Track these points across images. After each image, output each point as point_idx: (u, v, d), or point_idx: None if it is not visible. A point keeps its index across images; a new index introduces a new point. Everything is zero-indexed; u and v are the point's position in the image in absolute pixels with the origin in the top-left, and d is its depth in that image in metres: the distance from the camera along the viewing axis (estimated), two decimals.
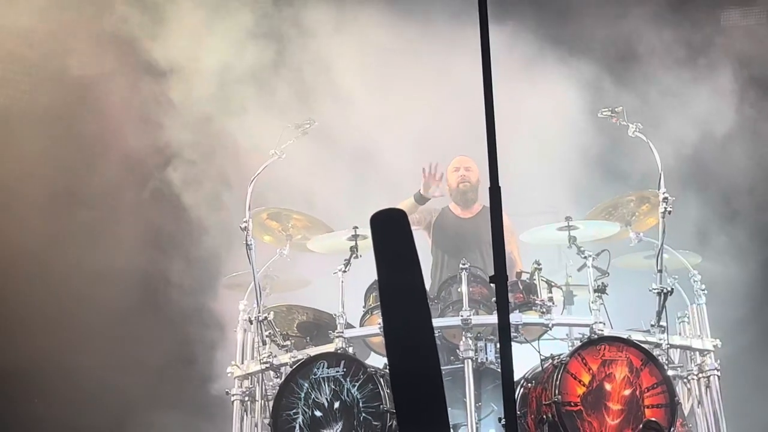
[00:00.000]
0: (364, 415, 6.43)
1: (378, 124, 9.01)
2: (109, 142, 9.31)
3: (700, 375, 7.31)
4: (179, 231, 9.27)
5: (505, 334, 3.26)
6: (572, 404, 6.40)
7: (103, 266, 9.03)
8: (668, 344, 6.97)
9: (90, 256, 9.07)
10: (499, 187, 3.40)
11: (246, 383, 7.60)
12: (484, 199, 8.20)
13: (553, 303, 7.09)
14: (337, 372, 6.58)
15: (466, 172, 8.37)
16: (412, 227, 2.94)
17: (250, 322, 7.54)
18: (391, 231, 2.85)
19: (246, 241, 7.28)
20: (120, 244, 9.22)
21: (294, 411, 6.59)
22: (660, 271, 6.95)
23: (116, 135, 9.30)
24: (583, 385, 6.45)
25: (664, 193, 7.00)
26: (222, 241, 8.83)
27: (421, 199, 7.94)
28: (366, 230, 7.18)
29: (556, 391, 6.38)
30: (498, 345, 6.99)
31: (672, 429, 6.40)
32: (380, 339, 7.21)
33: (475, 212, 8.30)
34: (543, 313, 6.94)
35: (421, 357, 2.84)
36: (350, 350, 6.83)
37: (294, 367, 6.79)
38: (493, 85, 3.50)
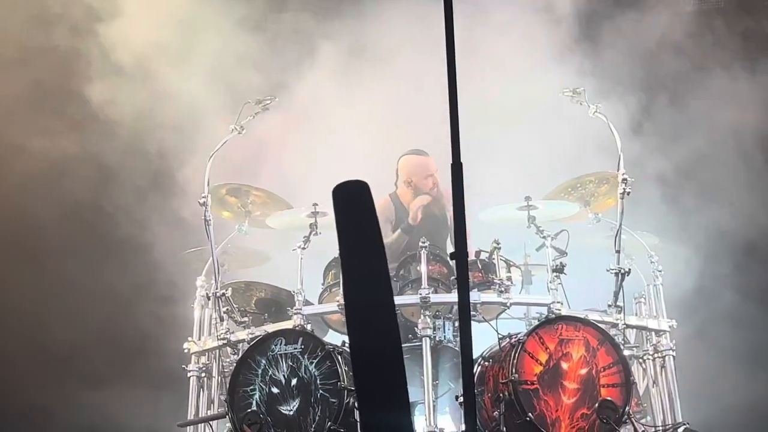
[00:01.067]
0: (321, 392, 6.41)
1: (341, 103, 8.96)
2: None
3: (656, 355, 7.36)
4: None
5: (465, 311, 3.24)
6: (529, 383, 6.43)
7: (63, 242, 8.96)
8: (625, 324, 7.01)
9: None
10: (461, 164, 3.37)
11: (203, 359, 7.55)
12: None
13: (512, 282, 7.11)
14: (294, 349, 6.55)
15: (436, 176, 8.19)
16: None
17: (208, 298, 7.50)
18: (353, 203, 2.81)
19: (204, 216, 7.21)
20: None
21: (251, 387, 6.55)
22: (618, 251, 6.98)
23: None
24: (540, 364, 6.48)
25: (623, 174, 7.01)
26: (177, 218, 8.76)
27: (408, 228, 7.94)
28: (325, 207, 7.15)
29: (513, 370, 6.40)
30: (456, 323, 7.02)
31: (627, 408, 6.44)
32: (339, 316, 7.20)
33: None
34: (501, 292, 6.94)
35: (382, 335, 2.82)
36: (308, 327, 6.79)
37: (251, 343, 6.75)
38: (456, 61, 3.47)
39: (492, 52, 8.95)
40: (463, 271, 3.27)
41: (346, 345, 6.84)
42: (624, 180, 6.98)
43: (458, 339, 6.94)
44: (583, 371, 6.48)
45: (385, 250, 2.85)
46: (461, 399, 6.51)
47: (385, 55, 9.20)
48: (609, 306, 6.99)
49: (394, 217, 8.13)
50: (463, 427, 6.14)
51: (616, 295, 6.96)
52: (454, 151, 3.42)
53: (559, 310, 6.77)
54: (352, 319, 2.86)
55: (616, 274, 6.93)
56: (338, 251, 6.78)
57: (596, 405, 6.41)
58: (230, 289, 7.35)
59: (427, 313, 6.78)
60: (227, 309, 7.21)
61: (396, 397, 2.78)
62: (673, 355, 7.28)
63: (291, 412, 6.45)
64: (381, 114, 8.99)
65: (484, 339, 7.19)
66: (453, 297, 6.87)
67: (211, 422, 7.32)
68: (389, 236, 7.89)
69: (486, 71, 8.81)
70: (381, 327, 2.83)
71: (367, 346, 2.83)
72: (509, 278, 7.08)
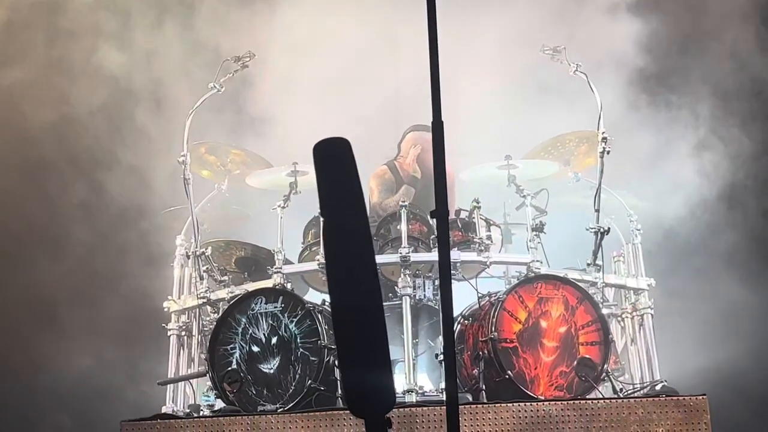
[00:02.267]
0: (301, 350, 6.41)
1: (320, 61, 8.90)
2: None
3: (634, 313, 7.40)
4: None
5: (445, 269, 3.22)
6: (508, 341, 6.45)
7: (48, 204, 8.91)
8: (603, 283, 7.02)
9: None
10: (442, 122, 3.35)
11: (183, 318, 7.53)
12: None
13: (492, 241, 7.09)
14: (275, 307, 6.54)
15: (424, 154, 8.11)
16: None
17: (188, 257, 7.47)
18: (334, 161, 2.78)
19: (184, 175, 7.16)
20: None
21: (231, 346, 6.55)
22: (597, 210, 6.97)
23: None
24: (520, 322, 6.50)
25: (603, 132, 6.99)
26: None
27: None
28: (305, 166, 7.11)
29: (493, 328, 6.42)
30: (436, 282, 7.02)
31: (605, 366, 6.48)
32: (318, 275, 7.18)
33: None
34: (481, 251, 6.93)
35: (363, 292, 2.80)
36: (288, 286, 6.78)
37: (232, 302, 6.73)
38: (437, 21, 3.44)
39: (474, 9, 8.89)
40: (444, 229, 3.26)
41: (326, 304, 6.83)
42: (604, 139, 6.96)
43: (438, 298, 6.95)
44: (562, 329, 6.51)
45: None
46: (441, 357, 6.53)
47: (361, 8, 9.09)
48: (588, 265, 7.00)
49: (394, 183, 8.11)
50: (444, 385, 6.18)
51: (595, 254, 6.96)
52: (435, 110, 3.40)
53: (539, 268, 6.78)
54: (333, 277, 2.84)
55: (596, 233, 6.94)
56: (318, 210, 6.89)
57: (575, 363, 6.44)
58: (210, 248, 7.32)
59: (407, 272, 6.77)
60: (207, 268, 7.18)
61: (377, 355, 2.78)
62: (651, 314, 7.32)
63: (271, 371, 6.45)
64: (360, 70, 8.92)
65: (463, 298, 7.20)
66: (433, 256, 6.86)
67: (191, 380, 7.32)
68: (393, 196, 7.84)
69: (466, 29, 8.73)
70: (362, 285, 2.81)
71: (348, 304, 2.81)
72: (489, 237, 7.06)
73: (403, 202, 6.96)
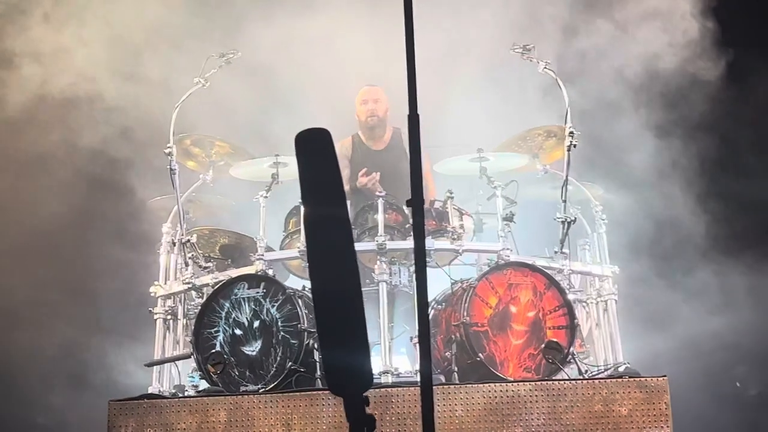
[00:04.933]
0: (282, 333, 6.41)
1: (302, 54, 8.87)
2: None
3: (599, 299, 7.42)
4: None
5: (420, 255, 3.22)
6: (479, 325, 6.47)
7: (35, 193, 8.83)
8: (570, 270, 7.05)
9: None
10: (418, 115, 3.34)
11: (169, 302, 7.51)
12: (394, 122, 8.14)
13: (464, 230, 7.10)
14: (257, 293, 6.54)
15: (375, 105, 8.17)
16: None
17: (174, 244, 7.44)
18: (314, 150, 2.78)
19: (170, 165, 7.14)
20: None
21: (215, 329, 6.54)
22: (564, 201, 6.99)
23: None
24: (490, 307, 6.52)
25: (570, 127, 7.00)
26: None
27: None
28: (286, 158, 7.09)
29: (465, 313, 6.43)
30: (411, 269, 7.03)
31: (571, 349, 6.51)
32: (299, 262, 7.18)
33: (387, 141, 8.21)
34: (454, 239, 6.94)
35: (343, 278, 2.80)
36: (270, 272, 6.76)
37: (216, 287, 6.72)
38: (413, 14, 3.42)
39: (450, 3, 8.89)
40: (419, 217, 3.26)
41: (306, 289, 6.84)
42: (571, 133, 6.99)
43: (413, 284, 6.96)
44: (531, 314, 6.54)
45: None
46: (415, 340, 6.55)
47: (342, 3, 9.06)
48: (555, 252, 7.01)
49: (350, 153, 8.19)
50: (418, 367, 6.19)
51: (562, 242, 6.98)
52: (411, 103, 3.39)
53: (509, 256, 6.79)
54: (314, 262, 2.84)
55: (563, 223, 6.96)
56: (299, 200, 6.88)
57: (542, 346, 6.47)
58: (195, 235, 7.32)
59: (384, 259, 6.77)
60: (192, 254, 7.16)
61: (355, 337, 2.78)
62: (615, 299, 7.35)
63: (253, 353, 6.45)
64: (340, 64, 8.90)
65: (437, 284, 7.21)
66: (408, 244, 6.87)
67: (176, 362, 7.30)
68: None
69: (441, 20, 8.73)
70: (341, 270, 2.81)
71: (328, 288, 2.81)
72: (461, 226, 7.07)
73: (380, 192, 6.95)
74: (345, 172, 7.88)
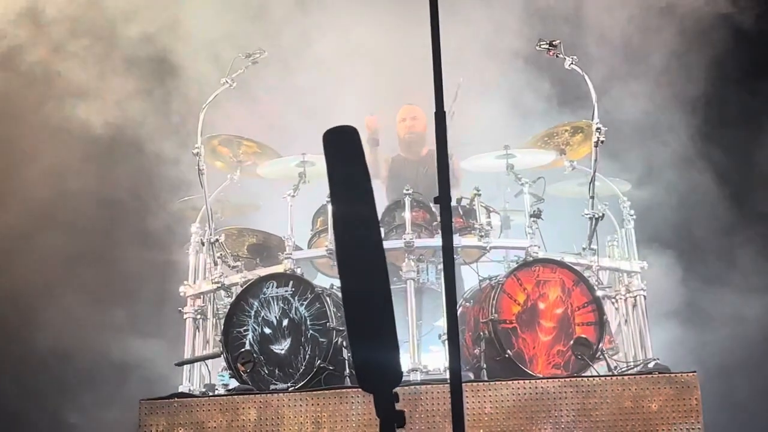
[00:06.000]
0: (311, 332, 6.42)
1: (329, 59, 8.89)
2: None
3: (628, 295, 7.37)
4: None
5: (448, 253, 3.22)
6: (508, 322, 6.45)
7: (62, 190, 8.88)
8: (598, 266, 7.02)
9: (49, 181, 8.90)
10: (444, 112, 3.34)
11: (198, 302, 7.54)
12: (431, 144, 8.17)
13: (491, 227, 7.08)
14: (285, 291, 6.55)
15: (413, 122, 8.41)
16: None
17: (202, 243, 7.47)
18: (342, 148, 2.78)
19: (198, 166, 7.18)
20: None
21: (244, 328, 6.56)
22: (592, 197, 6.96)
23: None
24: (518, 304, 6.50)
25: (597, 123, 6.97)
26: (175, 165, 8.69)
27: (373, 142, 8.14)
28: (313, 157, 7.10)
29: (493, 310, 6.42)
30: (438, 267, 7.03)
31: (600, 345, 6.48)
32: (327, 260, 7.18)
33: (424, 155, 8.31)
34: (481, 236, 6.93)
35: (372, 276, 2.80)
36: (298, 271, 6.77)
37: (244, 286, 6.74)
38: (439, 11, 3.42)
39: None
40: (447, 214, 3.25)
41: (335, 288, 6.85)
42: (598, 129, 6.95)
43: (440, 281, 6.95)
44: (559, 310, 6.51)
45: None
46: (444, 337, 6.54)
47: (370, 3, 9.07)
48: (584, 249, 6.99)
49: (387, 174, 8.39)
50: (447, 364, 6.19)
51: (590, 238, 6.96)
52: (438, 100, 3.39)
53: (537, 253, 6.76)
54: (343, 261, 2.84)
55: (590, 219, 6.93)
56: (326, 199, 6.90)
57: (571, 342, 6.44)
58: (223, 235, 7.35)
59: (411, 257, 6.77)
60: (221, 254, 7.20)
61: (385, 334, 2.78)
62: (644, 295, 7.30)
63: (282, 351, 6.46)
64: (368, 63, 8.92)
65: (465, 281, 7.22)
66: (435, 241, 6.87)
67: (206, 361, 7.33)
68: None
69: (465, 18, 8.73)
70: (371, 268, 2.82)
71: (357, 286, 2.81)
72: (489, 223, 7.05)
73: (407, 190, 6.96)
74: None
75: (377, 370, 2.78)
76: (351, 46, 8.95)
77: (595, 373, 6.33)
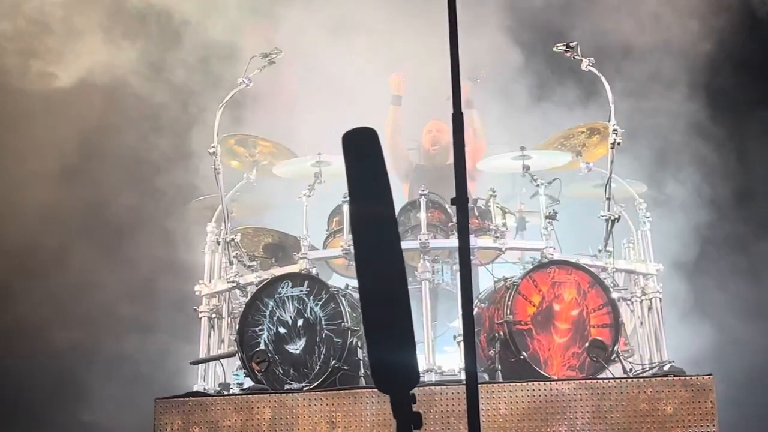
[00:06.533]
0: (326, 332, 6.43)
1: (343, 54, 8.90)
2: None
3: (643, 297, 7.34)
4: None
5: (465, 254, 3.22)
6: (523, 323, 6.45)
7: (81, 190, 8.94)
8: (614, 268, 7.00)
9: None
10: (461, 113, 3.35)
11: (213, 301, 7.55)
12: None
13: (507, 228, 7.09)
14: (301, 291, 6.57)
15: (438, 134, 8.57)
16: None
17: (218, 243, 7.49)
18: (361, 149, 2.79)
19: (214, 165, 7.19)
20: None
21: (259, 328, 6.57)
22: (608, 199, 6.96)
23: None
24: (534, 305, 6.50)
25: (614, 125, 6.96)
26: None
27: (396, 100, 8.49)
28: (329, 157, 7.10)
29: (508, 311, 6.42)
30: (453, 267, 7.02)
31: (615, 347, 6.47)
32: (342, 261, 7.19)
33: (448, 164, 8.36)
34: (497, 237, 6.93)
35: (390, 276, 2.81)
36: (314, 271, 6.79)
37: (260, 286, 6.76)
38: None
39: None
40: (464, 215, 3.26)
41: (350, 288, 6.87)
42: (614, 131, 6.94)
43: (456, 282, 6.95)
44: (574, 312, 6.50)
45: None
46: (459, 338, 6.54)
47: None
48: (599, 251, 6.98)
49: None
50: (463, 365, 6.19)
51: (606, 240, 6.95)
52: (455, 101, 3.40)
53: (552, 254, 6.76)
54: (362, 261, 2.85)
55: (606, 221, 6.93)
56: (342, 199, 6.90)
57: (586, 344, 6.44)
58: (239, 234, 7.37)
59: (427, 257, 6.77)
60: (236, 253, 7.21)
61: (402, 335, 2.79)
62: (659, 298, 7.27)
63: (297, 351, 6.48)
64: (383, 63, 8.92)
65: (480, 282, 7.21)
66: (450, 242, 6.87)
67: (221, 360, 7.35)
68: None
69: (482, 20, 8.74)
70: (389, 268, 2.82)
71: (375, 287, 2.82)
72: (504, 224, 7.06)
73: (423, 191, 6.96)
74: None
75: (394, 371, 2.78)
76: (364, 40, 8.94)
77: (610, 376, 6.33)
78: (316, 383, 6.33)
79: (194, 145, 8.54)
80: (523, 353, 6.34)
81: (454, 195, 3.21)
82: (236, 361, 6.89)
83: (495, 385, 6.07)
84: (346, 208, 6.95)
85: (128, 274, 9.03)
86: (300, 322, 6.50)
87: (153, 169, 8.99)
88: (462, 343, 6.26)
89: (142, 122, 9.10)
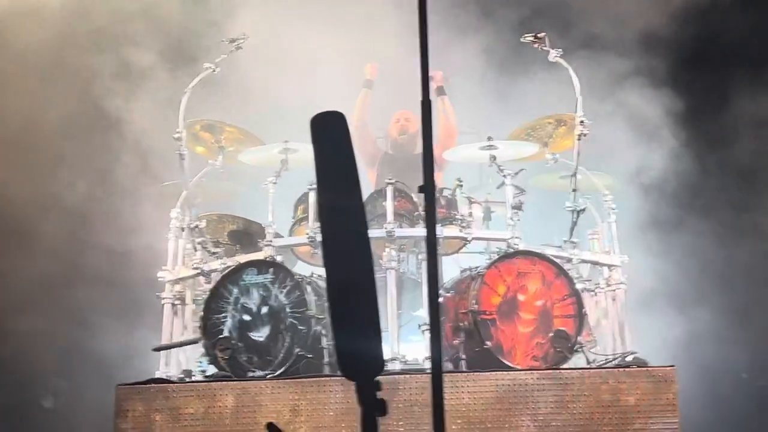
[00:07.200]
0: (290, 319, 6.41)
1: (312, 41, 8.87)
2: None
3: (608, 288, 7.40)
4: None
5: (432, 242, 3.21)
6: (488, 313, 6.46)
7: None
8: (579, 259, 7.04)
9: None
10: (430, 101, 3.33)
11: (177, 288, 7.51)
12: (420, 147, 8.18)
13: (473, 218, 7.09)
14: (265, 278, 6.54)
15: (406, 122, 8.64)
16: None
17: (182, 229, 7.44)
18: (329, 134, 2.77)
19: (179, 151, 7.14)
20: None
21: (223, 315, 6.54)
22: (574, 190, 6.98)
23: None
24: (499, 295, 6.51)
25: (580, 116, 6.99)
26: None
27: (368, 84, 8.62)
28: (296, 144, 7.07)
29: (473, 301, 6.43)
30: (419, 257, 7.03)
31: (579, 338, 6.51)
32: (307, 248, 7.17)
33: (416, 153, 8.36)
34: (463, 227, 6.94)
35: (357, 264, 2.80)
36: (279, 258, 6.76)
37: (224, 273, 6.72)
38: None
39: None
40: (431, 203, 3.25)
41: (315, 275, 6.86)
42: (581, 122, 6.97)
43: (421, 271, 6.96)
44: (539, 303, 6.53)
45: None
46: (424, 327, 6.54)
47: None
48: (564, 241, 7.01)
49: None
50: (428, 354, 6.20)
51: (571, 231, 6.98)
52: (424, 89, 3.38)
53: (517, 245, 6.78)
54: (328, 248, 2.84)
55: (572, 212, 6.95)
56: (308, 185, 6.88)
57: (550, 335, 6.46)
58: (204, 220, 7.31)
59: (392, 246, 6.76)
60: (201, 240, 7.16)
61: (368, 323, 2.78)
62: (624, 289, 7.32)
63: (261, 339, 6.46)
64: (351, 49, 8.89)
65: (446, 272, 7.21)
66: (417, 231, 6.87)
67: (184, 347, 7.31)
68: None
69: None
70: (356, 255, 2.81)
71: (342, 274, 2.81)
72: (470, 214, 7.06)
73: (390, 179, 6.95)
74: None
75: (360, 359, 2.78)
76: (332, 27, 8.90)
77: (574, 366, 6.36)
78: (280, 371, 6.32)
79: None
80: (488, 343, 6.35)
81: (421, 184, 3.18)
82: (199, 348, 6.85)
83: (459, 374, 6.09)
84: (312, 196, 6.93)
85: (89, 259, 8.95)
86: (264, 310, 6.48)
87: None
88: (427, 332, 6.28)
89: None
